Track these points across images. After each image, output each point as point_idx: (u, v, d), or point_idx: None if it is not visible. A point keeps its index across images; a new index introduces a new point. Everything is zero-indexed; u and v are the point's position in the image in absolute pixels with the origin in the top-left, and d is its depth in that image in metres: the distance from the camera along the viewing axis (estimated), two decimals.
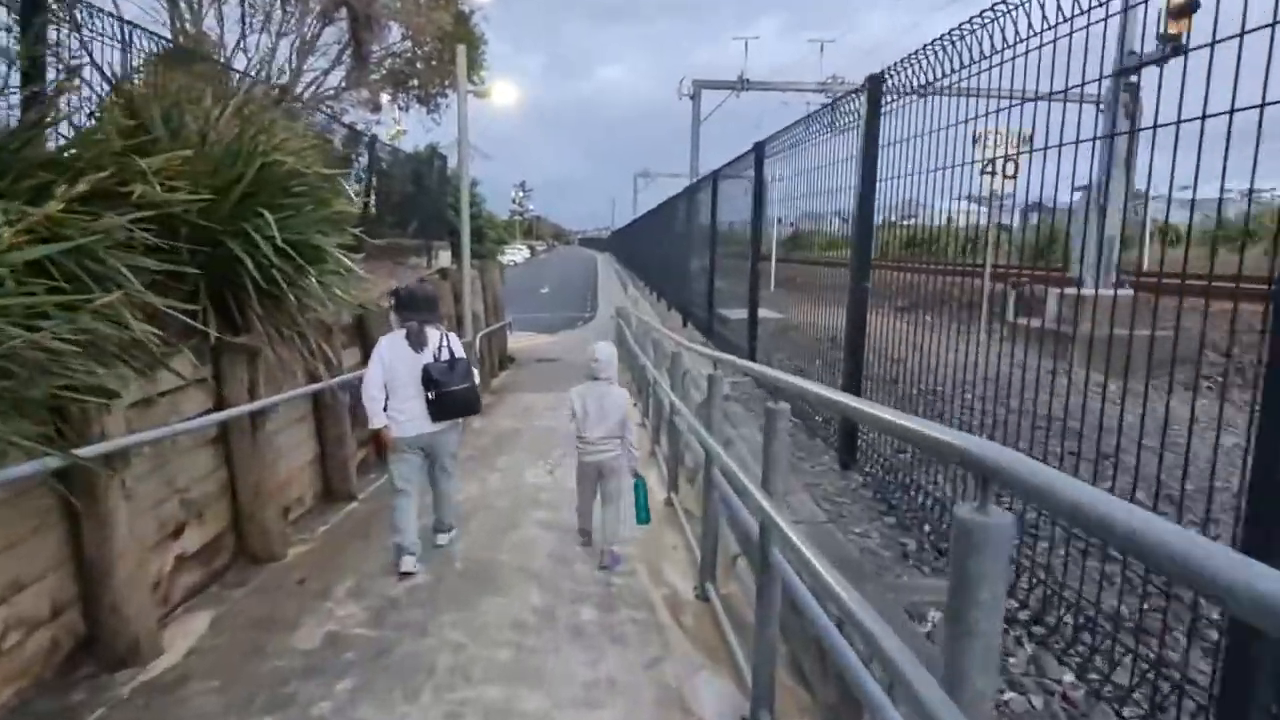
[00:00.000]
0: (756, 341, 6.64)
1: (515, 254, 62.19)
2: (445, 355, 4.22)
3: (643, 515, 4.38)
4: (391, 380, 4.17)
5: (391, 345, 4.25)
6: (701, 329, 9.66)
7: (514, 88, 11.85)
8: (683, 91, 34.42)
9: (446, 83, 16.68)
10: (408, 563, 4.13)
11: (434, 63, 15.42)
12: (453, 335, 4.43)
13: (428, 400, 4.15)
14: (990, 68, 3.02)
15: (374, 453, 6.78)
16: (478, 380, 4.47)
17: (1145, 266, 9.66)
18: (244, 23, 11.75)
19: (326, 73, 14.11)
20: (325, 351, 4.98)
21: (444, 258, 11.87)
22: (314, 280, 4.35)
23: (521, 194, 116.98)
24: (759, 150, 6.36)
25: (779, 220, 7.82)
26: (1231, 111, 1.84)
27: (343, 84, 14.58)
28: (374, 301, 7.14)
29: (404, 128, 17.28)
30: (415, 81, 15.61)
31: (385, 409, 4.16)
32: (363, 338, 6.62)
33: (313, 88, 13.99)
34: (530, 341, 21.39)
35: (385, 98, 16.82)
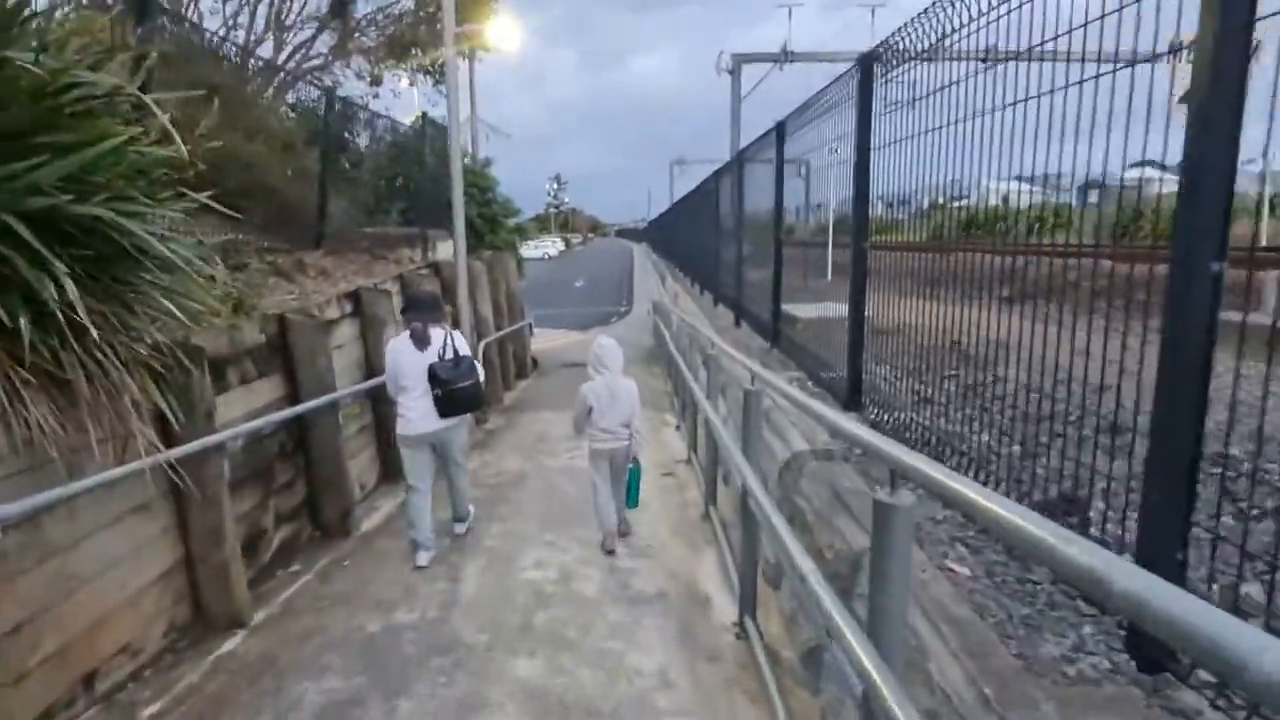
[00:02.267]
0: (863, 358, 4.40)
1: (549, 247, 60.61)
2: (450, 354, 4.31)
3: (632, 500, 4.70)
4: (400, 380, 4.30)
5: (398, 347, 4.36)
6: (763, 332, 7.45)
7: (516, 28, 9.68)
8: (721, 67, 31.91)
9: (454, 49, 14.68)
10: (423, 557, 4.32)
11: (438, 26, 13.41)
12: (457, 334, 4.50)
13: (435, 398, 4.26)
14: None
15: (312, 524, 4.77)
16: (483, 377, 4.55)
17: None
18: None
19: (313, 38, 12.24)
20: (155, 402, 2.93)
21: (444, 249, 9.84)
22: (62, 283, 2.25)
23: (556, 187, 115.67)
24: (865, 67, 4.12)
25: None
26: None
27: (329, 55, 12.69)
28: (312, 309, 5.09)
29: (422, 110, 15.34)
30: (418, 50, 13.63)
31: (396, 408, 4.36)
32: (286, 361, 4.59)
33: (297, 56, 12.12)
34: (559, 340, 19.37)
35: (405, 80, 14.95)
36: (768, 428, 4.37)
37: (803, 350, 5.98)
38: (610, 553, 4.44)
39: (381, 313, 5.86)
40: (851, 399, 4.37)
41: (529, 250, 57.47)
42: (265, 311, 4.60)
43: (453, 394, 4.26)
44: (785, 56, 30.62)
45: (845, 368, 4.60)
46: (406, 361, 4.27)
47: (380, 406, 5.94)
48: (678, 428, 7.97)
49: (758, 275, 8.24)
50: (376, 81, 13.94)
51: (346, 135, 8.65)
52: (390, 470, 6.02)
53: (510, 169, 17.52)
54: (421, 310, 4.43)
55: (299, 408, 4.45)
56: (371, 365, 5.87)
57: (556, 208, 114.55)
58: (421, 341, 4.31)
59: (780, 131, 6.61)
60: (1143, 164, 3.17)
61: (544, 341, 18.22)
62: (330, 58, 12.46)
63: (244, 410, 4.09)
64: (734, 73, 31.64)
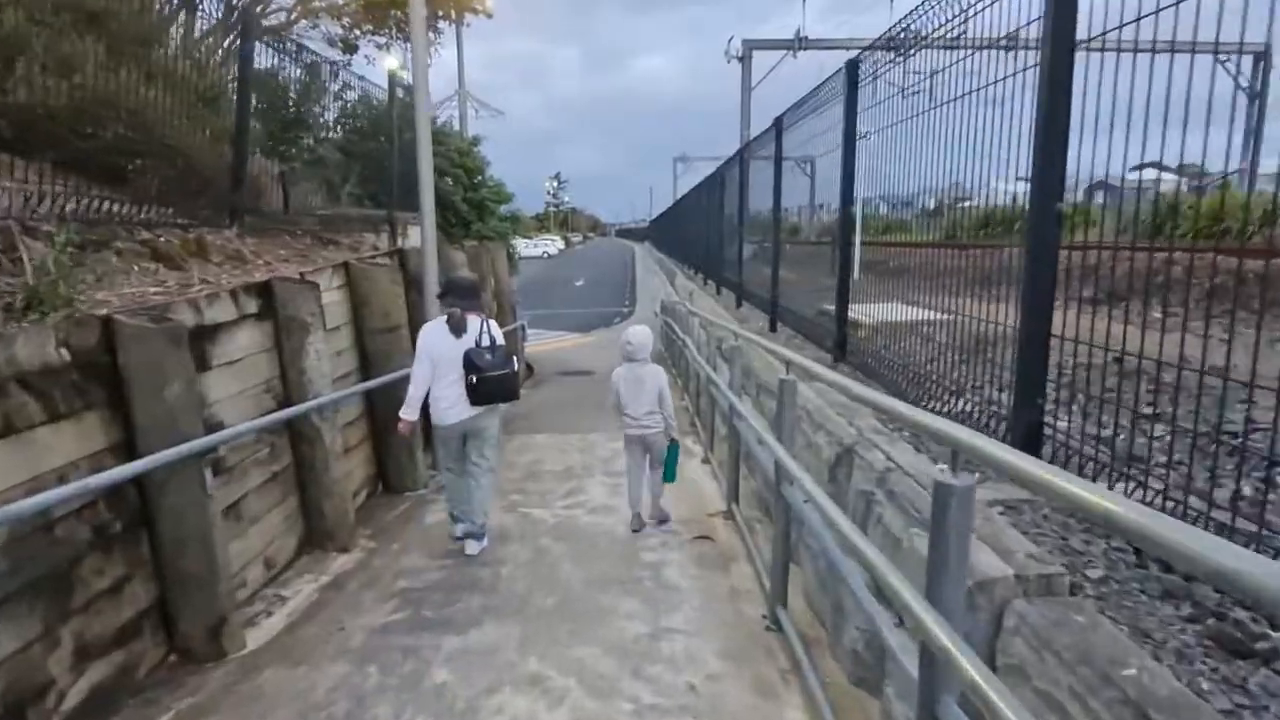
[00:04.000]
0: (1044, 390, 2.69)
1: (549, 245, 59.22)
2: (486, 341, 4.20)
3: (670, 475, 4.69)
4: (435, 366, 4.16)
5: (432, 332, 4.27)
6: (819, 341, 5.74)
7: None
8: (731, 53, 30.17)
9: (439, 12, 12.99)
10: (472, 547, 4.27)
11: None
12: (493, 322, 4.36)
13: (467, 385, 4.13)
14: None
15: (166, 642, 3.06)
16: (518, 367, 4.53)
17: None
18: None
19: None
20: None
21: (418, 236, 8.14)
22: None
23: (556, 185, 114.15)
24: None
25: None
26: None
27: (292, 12, 11.01)
28: (171, 309, 3.38)
29: (390, 70, 13.56)
30: (396, 11, 11.92)
31: (428, 396, 4.20)
32: (115, 391, 2.89)
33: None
34: (557, 344, 17.75)
35: (394, 61, 13.20)
36: (894, 518, 2.67)
37: (897, 369, 4.26)
38: (636, 531, 4.61)
39: (303, 313, 4.16)
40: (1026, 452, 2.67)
41: (528, 248, 56.24)
42: (83, 312, 2.89)
43: (487, 382, 4.14)
44: (799, 43, 28.88)
45: (1007, 401, 2.89)
46: (442, 349, 4.16)
47: (304, 445, 4.26)
48: (705, 460, 6.29)
49: (806, 273, 6.57)
50: (350, 49, 12.25)
51: (284, 83, 6.94)
52: (318, 533, 4.33)
53: (511, 167, 15.83)
54: (459, 296, 4.32)
55: (117, 471, 2.73)
56: (289, 386, 4.18)
57: (557, 206, 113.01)
58: (458, 329, 4.18)
59: (853, 75, 4.90)
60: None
61: (540, 345, 16.57)
62: (293, 15, 10.78)
63: (16, 480, 2.39)
64: (744, 60, 29.90)
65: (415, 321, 6.41)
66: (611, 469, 6.18)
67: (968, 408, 3.31)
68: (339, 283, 5.15)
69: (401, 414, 4.25)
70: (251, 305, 3.96)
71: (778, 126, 7.45)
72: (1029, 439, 2.69)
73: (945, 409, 3.49)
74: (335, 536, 4.31)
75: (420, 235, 8.46)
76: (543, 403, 9.58)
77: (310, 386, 4.17)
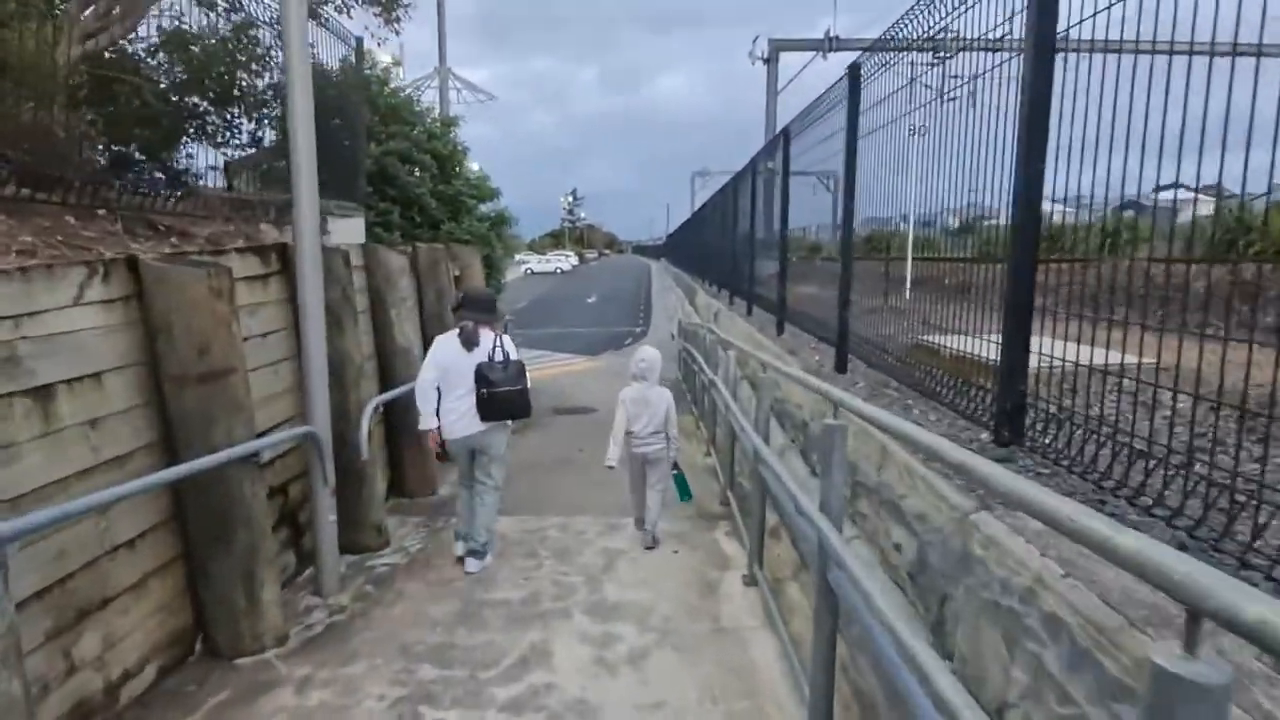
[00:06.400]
0: None
1: (562, 261, 57.77)
2: (500, 356, 4.15)
3: (685, 495, 4.96)
4: (444, 379, 4.13)
5: (444, 345, 4.19)
6: (964, 407, 3.36)
7: None
8: (756, 54, 28.01)
9: None
10: (472, 565, 4.22)
11: None
12: (507, 337, 4.28)
13: (479, 398, 4.08)
14: None
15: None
16: (530, 384, 4.31)
17: None
18: None
19: None
20: None
21: (348, 229, 5.89)
22: None
23: (572, 201, 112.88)
24: None
25: None
26: None
27: None
28: None
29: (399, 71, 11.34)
30: None
31: (438, 409, 4.13)
32: None
33: None
34: (563, 368, 15.45)
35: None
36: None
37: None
38: (641, 528, 4.66)
39: None
40: None
41: (541, 264, 54.37)
42: None
43: (497, 396, 4.07)
44: (829, 44, 26.66)
45: None
46: (452, 362, 4.09)
47: None
48: (750, 580, 3.94)
49: (899, 290, 4.27)
50: (311, 16, 10.16)
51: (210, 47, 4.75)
52: None
53: (528, 185, 13.75)
54: (475, 309, 4.21)
55: None
56: None
57: (572, 223, 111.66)
58: (470, 342, 4.11)
59: None
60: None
61: (543, 369, 14.28)
62: None
63: None
64: (770, 61, 27.75)
65: (305, 377, 4.14)
66: (601, 596, 3.86)
67: None
68: (113, 293, 2.88)
69: (420, 426, 4.16)
70: None
71: (853, 75, 5.10)
72: None
73: None
74: None
75: (348, 229, 6.22)
76: (522, 459, 7.20)
77: None
